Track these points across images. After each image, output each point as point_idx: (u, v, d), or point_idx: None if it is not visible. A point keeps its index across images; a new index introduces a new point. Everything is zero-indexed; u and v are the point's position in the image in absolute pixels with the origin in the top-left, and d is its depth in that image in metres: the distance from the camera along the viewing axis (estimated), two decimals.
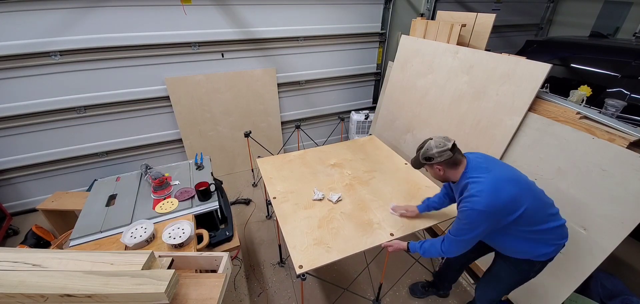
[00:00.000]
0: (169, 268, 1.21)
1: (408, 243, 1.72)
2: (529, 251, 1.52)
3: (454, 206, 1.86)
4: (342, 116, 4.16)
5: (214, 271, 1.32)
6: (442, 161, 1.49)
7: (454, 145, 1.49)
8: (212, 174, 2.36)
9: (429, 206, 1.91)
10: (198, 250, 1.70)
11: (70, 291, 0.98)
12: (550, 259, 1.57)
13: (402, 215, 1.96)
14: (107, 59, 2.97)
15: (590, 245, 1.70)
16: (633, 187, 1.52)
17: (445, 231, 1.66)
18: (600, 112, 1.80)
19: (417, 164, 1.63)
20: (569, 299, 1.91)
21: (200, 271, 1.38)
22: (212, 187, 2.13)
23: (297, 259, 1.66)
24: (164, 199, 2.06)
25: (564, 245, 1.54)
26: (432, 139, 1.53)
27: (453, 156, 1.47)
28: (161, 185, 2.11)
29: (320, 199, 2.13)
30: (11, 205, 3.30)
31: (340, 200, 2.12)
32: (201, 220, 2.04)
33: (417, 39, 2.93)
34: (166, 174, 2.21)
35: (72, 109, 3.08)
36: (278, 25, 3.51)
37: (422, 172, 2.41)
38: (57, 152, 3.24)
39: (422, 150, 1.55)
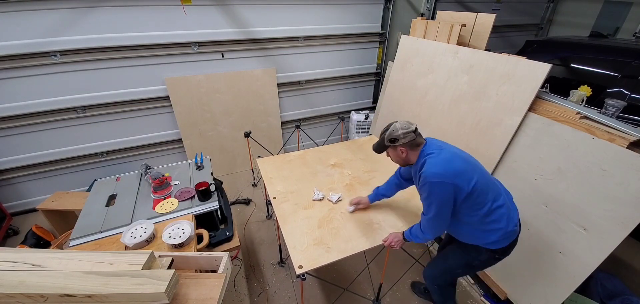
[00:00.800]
0: (169, 268, 1.21)
1: (403, 233, 1.74)
2: (477, 238, 1.59)
3: None
4: (342, 116, 4.16)
5: (214, 271, 1.32)
6: (406, 142, 1.54)
7: (416, 128, 1.57)
8: (212, 174, 2.36)
9: (378, 194, 2.00)
10: (198, 250, 1.70)
11: (70, 291, 0.98)
12: (501, 250, 1.61)
13: (356, 209, 2.02)
14: (107, 59, 2.97)
15: (590, 245, 1.70)
16: (633, 187, 1.51)
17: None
18: (600, 112, 1.80)
19: (380, 147, 1.65)
20: (569, 299, 1.91)
21: (200, 271, 1.38)
22: (212, 187, 2.13)
23: (297, 260, 1.66)
24: (164, 199, 2.06)
25: (514, 236, 1.59)
26: (396, 121, 1.58)
27: (415, 137, 1.54)
28: (161, 185, 2.11)
29: (320, 199, 2.13)
30: (11, 205, 3.30)
31: (340, 200, 2.12)
32: (201, 220, 2.04)
33: (417, 39, 2.92)
34: (166, 174, 2.21)
35: (72, 109, 3.08)
36: (278, 25, 3.51)
37: None
38: (57, 152, 3.24)
39: (387, 132, 1.57)
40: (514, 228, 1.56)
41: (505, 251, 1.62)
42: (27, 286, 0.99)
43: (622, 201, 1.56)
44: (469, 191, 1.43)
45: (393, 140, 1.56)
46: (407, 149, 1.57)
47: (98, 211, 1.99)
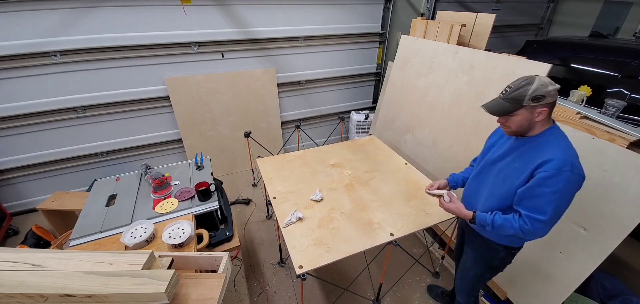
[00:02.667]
0: (169, 268, 1.21)
1: (474, 212, 1.49)
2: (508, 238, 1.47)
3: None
4: (342, 116, 4.16)
5: (214, 271, 1.32)
6: (551, 102, 1.23)
7: None
8: (212, 174, 2.36)
9: (457, 181, 1.75)
10: (198, 250, 1.70)
11: (70, 291, 0.98)
12: (516, 248, 1.54)
13: (441, 196, 1.63)
14: (107, 59, 2.97)
15: (590, 245, 1.70)
16: (633, 188, 1.52)
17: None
18: (600, 112, 1.80)
19: (513, 105, 1.26)
20: (569, 299, 1.91)
21: (200, 271, 1.38)
22: (212, 187, 2.13)
23: (297, 260, 1.66)
24: (164, 199, 2.06)
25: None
26: (537, 75, 1.25)
27: (554, 102, 1.26)
28: (161, 185, 2.11)
29: (319, 200, 2.13)
30: (11, 205, 3.30)
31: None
32: (201, 220, 2.04)
33: (417, 39, 2.93)
34: (166, 174, 2.21)
35: (72, 109, 3.08)
36: (278, 25, 3.51)
37: (420, 170, 2.41)
38: (57, 152, 3.24)
39: (534, 85, 1.21)
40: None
41: (521, 247, 1.56)
42: (27, 286, 0.99)
43: (622, 201, 1.56)
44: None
45: (539, 97, 1.21)
46: (550, 109, 1.25)
47: (98, 211, 1.99)
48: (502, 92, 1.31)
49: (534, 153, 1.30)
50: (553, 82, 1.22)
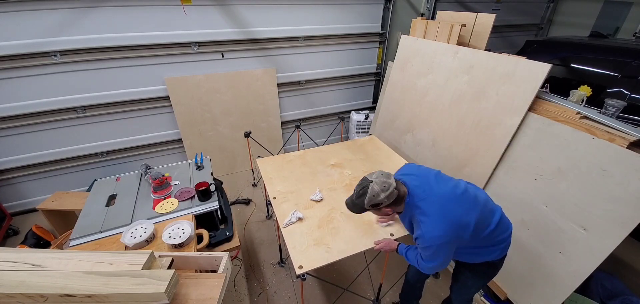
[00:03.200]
0: (169, 268, 1.21)
1: (398, 244, 1.72)
2: (484, 256, 1.57)
3: None
4: (342, 116, 4.16)
5: (214, 271, 1.32)
6: (390, 202, 1.37)
7: (395, 179, 1.39)
8: (212, 174, 2.36)
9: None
10: (198, 250, 1.70)
11: (70, 291, 0.98)
12: (505, 254, 1.62)
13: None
14: (107, 59, 2.98)
15: (590, 245, 1.70)
16: (633, 187, 1.51)
17: None
18: (600, 112, 1.80)
19: (360, 210, 1.47)
20: (569, 300, 1.91)
21: (200, 271, 1.38)
22: (212, 187, 2.13)
23: (297, 260, 1.66)
24: (164, 199, 2.06)
25: (510, 234, 1.59)
26: (371, 181, 1.37)
27: (398, 193, 1.37)
28: (161, 185, 2.11)
29: (319, 200, 2.12)
30: (11, 205, 3.30)
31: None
32: (201, 220, 2.04)
33: (417, 39, 2.92)
34: (166, 174, 2.21)
35: (72, 109, 3.08)
36: (278, 25, 3.51)
37: None
38: (57, 152, 3.24)
39: (367, 197, 1.36)
40: (510, 230, 1.58)
41: (507, 250, 1.62)
42: (27, 286, 0.99)
43: (622, 201, 1.56)
44: (471, 230, 1.38)
45: (376, 205, 1.38)
46: (393, 207, 1.41)
47: (98, 211, 1.99)
48: (353, 193, 1.47)
49: (414, 234, 1.47)
50: (386, 188, 1.34)
